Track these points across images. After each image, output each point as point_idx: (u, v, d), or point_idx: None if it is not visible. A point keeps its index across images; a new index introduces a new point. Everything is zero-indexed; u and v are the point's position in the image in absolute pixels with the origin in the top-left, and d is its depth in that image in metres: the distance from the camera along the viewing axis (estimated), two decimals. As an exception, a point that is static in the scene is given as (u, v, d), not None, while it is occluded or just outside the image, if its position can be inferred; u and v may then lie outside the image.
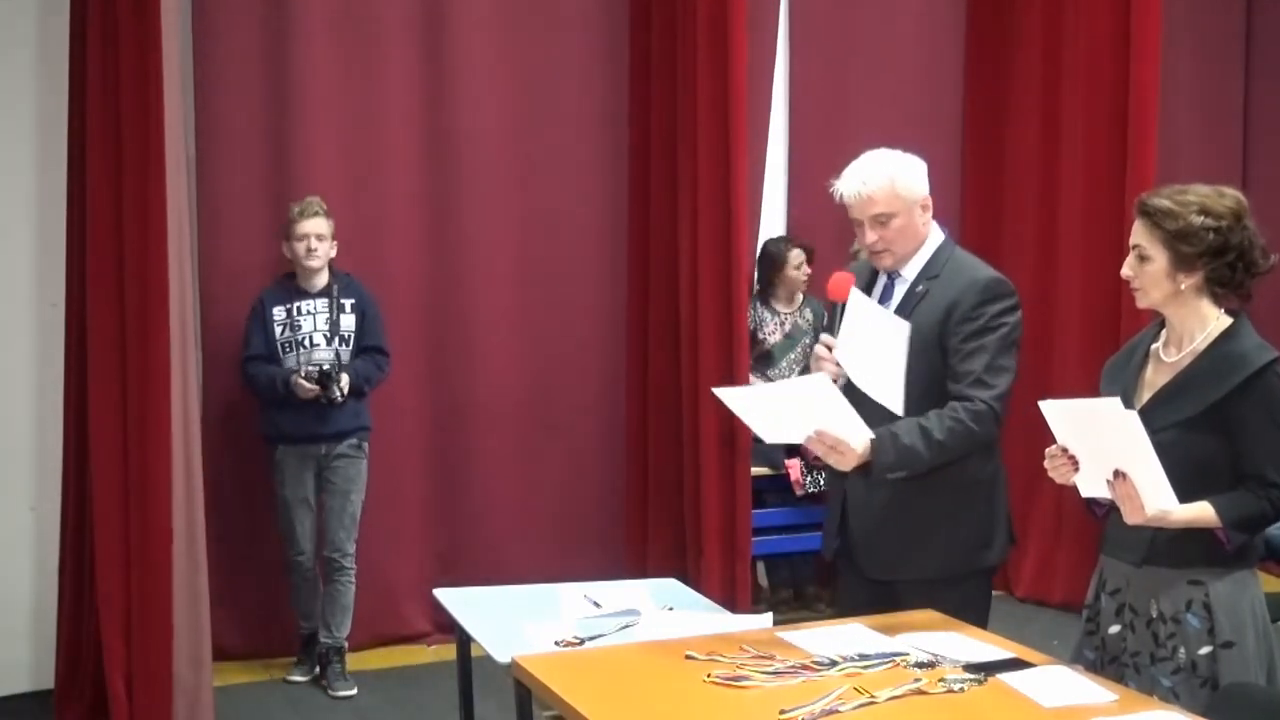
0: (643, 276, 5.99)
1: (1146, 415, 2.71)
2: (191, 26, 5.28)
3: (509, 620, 3.30)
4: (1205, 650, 2.82)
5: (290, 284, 5.24)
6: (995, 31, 6.57)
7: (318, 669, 5.32)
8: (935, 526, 3.35)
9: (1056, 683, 2.70)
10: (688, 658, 2.86)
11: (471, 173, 5.81)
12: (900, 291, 3.40)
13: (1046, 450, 2.89)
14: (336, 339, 5.20)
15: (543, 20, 5.93)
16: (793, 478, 5.87)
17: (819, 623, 3.22)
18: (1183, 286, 2.86)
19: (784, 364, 6.04)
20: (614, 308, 6.08)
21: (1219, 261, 2.83)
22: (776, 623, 3.39)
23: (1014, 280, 3.45)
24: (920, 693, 2.64)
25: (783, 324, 6.11)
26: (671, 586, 3.73)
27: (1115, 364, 3.07)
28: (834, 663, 2.79)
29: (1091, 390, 2.99)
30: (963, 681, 2.68)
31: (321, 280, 5.24)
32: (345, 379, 5.08)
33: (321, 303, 5.22)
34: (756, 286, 6.12)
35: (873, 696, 2.60)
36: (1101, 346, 5.32)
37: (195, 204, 5.07)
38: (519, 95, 5.89)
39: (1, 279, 5.16)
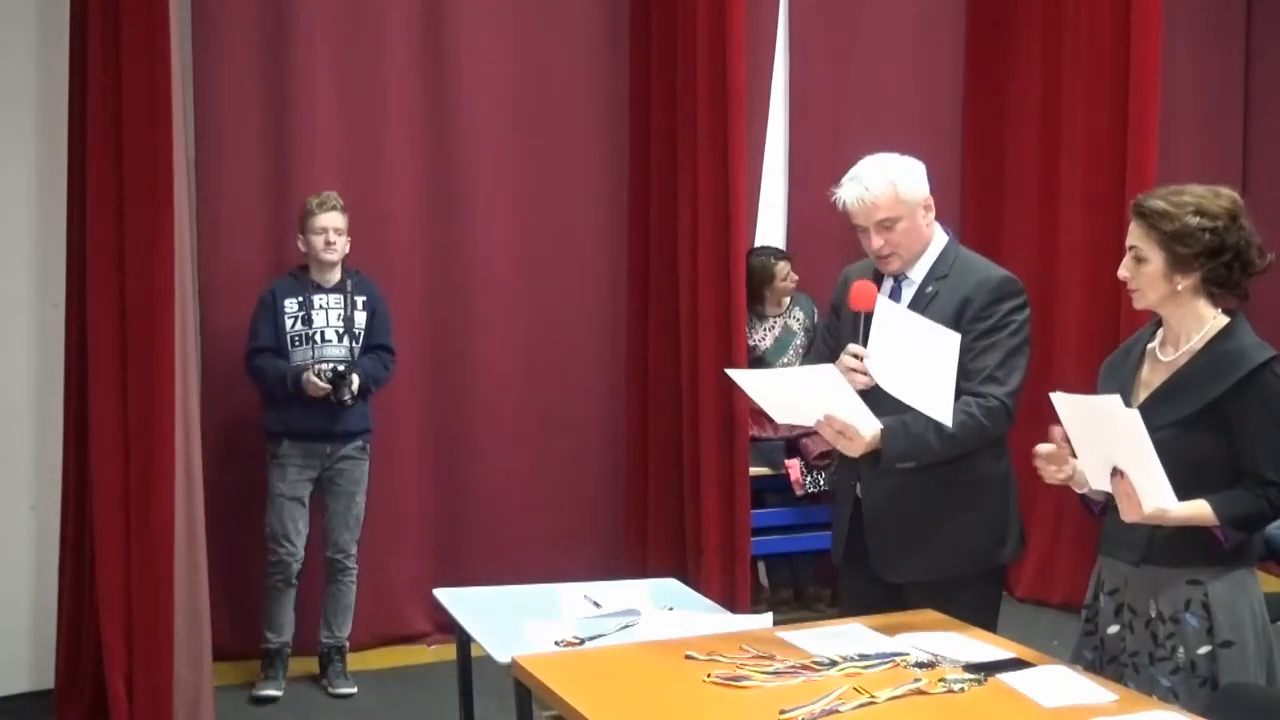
0: (643, 276, 5.98)
1: (1144, 414, 2.70)
2: (191, 27, 5.28)
3: (509, 620, 3.31)
4: (1204, 650, 2.82)
5: (304, 277, 5.22)
6: (995, 31, 6.58)
7: (318, 668, 5.32)
8: (950, 527, 3.36)
9: (1056, 683, 2.70)
10: (688, 658, 2.86)
11: (471, 172, 5.81)
12: (909, 294, 3.40)
13: (1036, 449, 2.89)
14: (349, 336, 5.19)
15: (543, 19, 5.94)
16: (793, 478, 5.87)
17: (819, 623, 3.22)
18: (1179, 287, 2.86)
19: (778, 367, 6.04)
20: (614, 307, 6.08)
21: (1215, 262, 2.84)
22: (776, 623, 3.40)
23: (1014, 280, 3.46)
24: (920, 693, 2.64)
25: (772, 329, 6.12)
26: (671, 586, 3.74)
27: (1112, 364, 3.08)
28: (834, 663, 2.79)
29: (1090, 390, 2.99)
30: (963, 681, 2.68)
31: (336, 275, 5.23)
32: (356, 381, 5.06)
33: (335, 298, 5.21)
34: None
35: (873, 696, 2.60)
36: (1101, 346, 5.31)
37: (195, 204, 5.07)
38: (519, 94, 5.89)
39: (1, 279, 5.16)
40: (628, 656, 2.99)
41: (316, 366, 5.06)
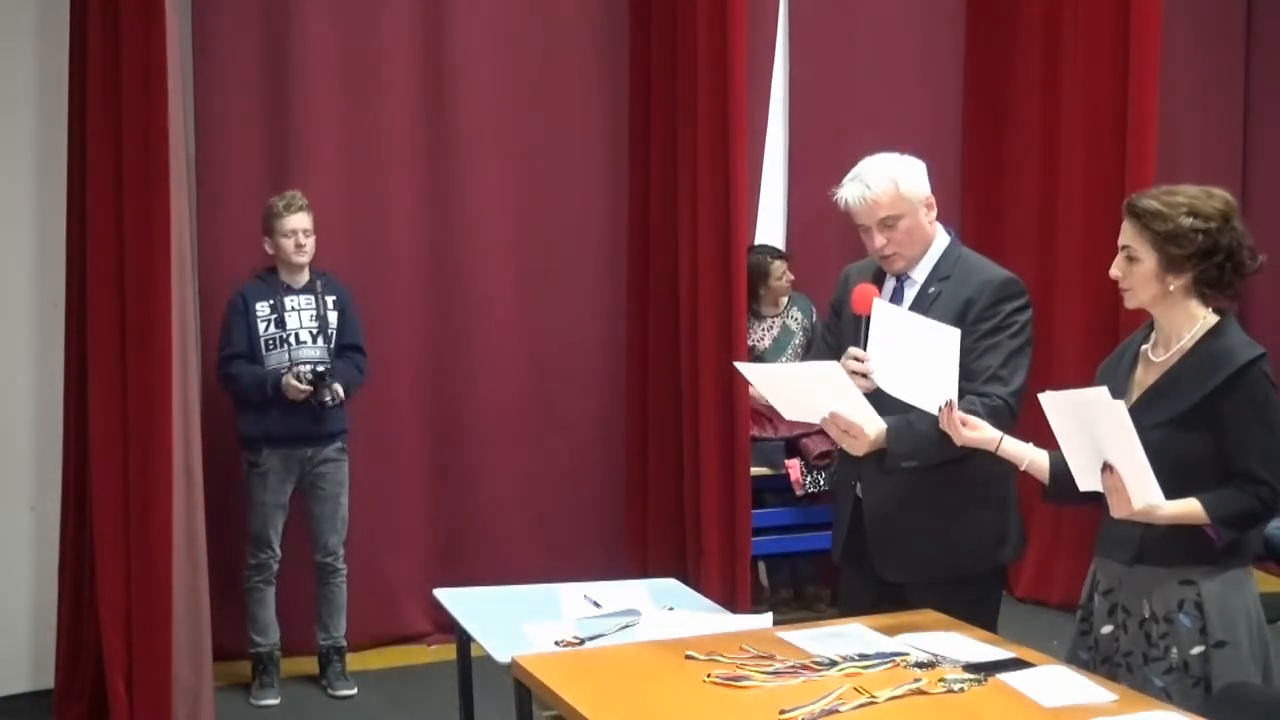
0: (643, 276, 5.98)
1: (1136, 414, 2.71)
2: (191, 26, 5.28)
3: (509, 620, 3.31)
4: (1198, 650, 2.82)
5: (273, 279, 5.17)
6: (995, 31, 6.57)
7: (317, 669, 5.32)
8: (952, 526, 3.36)
9: (1056, 683, 2.70)
10: (688, 658, 2.86)
11: (471, 172, 5.81)
12: (911, 294, 3.40)
13: None
14: (323, 336, 5.16)
15: (543, 20, 5.94)
16: (793, 478, 5.87)
17: (819, 623, 3.22)
18: (1171, 288, 2.86)
19: (778, 366, 6.05)
20: (614, 307, 6.07)
21: (1208, 263, 2.84)
22: (776, 623, 3.40)
23: (1014, 280, 3.46)
24: (920, 693, 2.64)
25: (770, 329, 6.12)
26: (671, 586, 3.73)
27: (1107, 366, 3.09)
28: (834, 663, 2.79)
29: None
30: (963, 681, 2.68)
31: (305, 276, 5.19)
32: (339, 388, 5.04)
33: (306, 299, 5.17)
34: None
35: (873, 696, 2.60)
36: (1101, 346, 5.30)
37: (195, 204, 5.07)
38: (519, 95, 5.89)
39: (1, 279, 5.17)
40: (628, 656, 2.99)
41: (295, 369, 5.03)
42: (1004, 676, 2.72)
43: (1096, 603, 3.01)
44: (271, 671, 5.20)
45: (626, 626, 3.24)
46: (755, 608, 5.49)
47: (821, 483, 5.82)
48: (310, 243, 5.14)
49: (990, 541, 3.40)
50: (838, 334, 3.50)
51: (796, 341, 6.10)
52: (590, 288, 6.05)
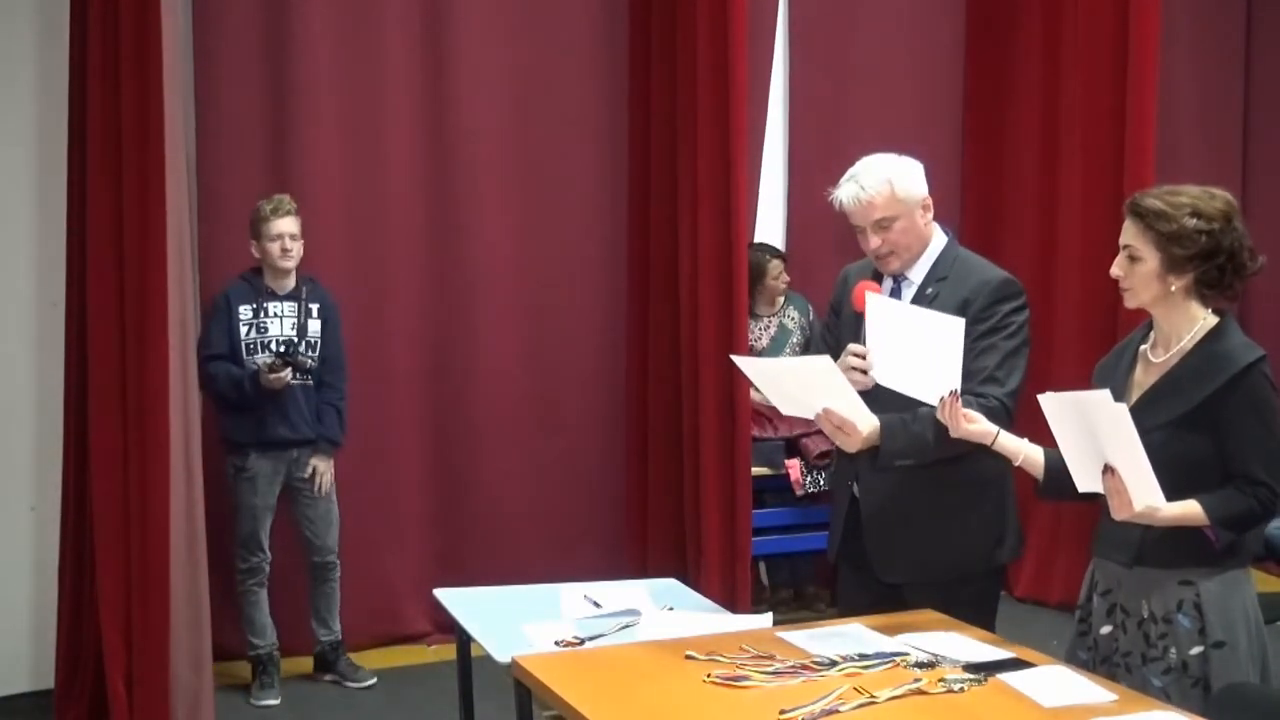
0: (643, 276, 5.98)
1: (1135, 415, 2.70)
2: (192, 26, 5.28)
3: (509, 620, 3.30)
4: (1196, 650, 2.82)
5: (258, 283, 5.14)
6: (995, 31, 6.57)
7: (326, 668, 5.34)
8: (949, 526, 3.37)
9: (1056, 683, 2.70)
10: (688, 658, 2.86)
11: (471, 172, 5.81)
12: (908, 295, 3.40)
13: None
14: (303, 343, 5.13)
15: (543, 20, 5.94)
16: (793, 478, 5.87)
17: (819, 623, 3.22)
18: (1173, 288, 2.86)
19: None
20: (614, 307, 6.07)
21: (1209, 264, 2.84)
22: (776, 623, 3.40)
23: (1014, 280, 3.46)
24: (920, 693, 2.64)
25: (768, 328, 6.13)
26: (671, 586, 3.73)
27: (1105, 366, 3.08)
28: (834, 663, 2.79)
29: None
30: (963, 681, 2.68)
31: (290, 282, 5.16)
32: (306, 361, 5.02)
33: (289, 305, 5.14)
34: None
35: (873, 696, 2.60)
36: (1099, 346, 5.28)
37: (195, 204, 5.06)
38: (519, 94, 5.89)
39: (1, 279, 5.16)
40: (628, 656, 2.99)
41: (260, 359, 4.99)
42: (1004, 676, 2.72)
43: (1095, 603, 3.02)
44: (272, 672, 5.20)
45: (626, 626, 3.24)
46: (755, 608, 5.49)
47: (822, 483, 5.82)
48: (297, 247, 5.11)
49: (988, 541, 3.40)
50: (838, 334, 3.50)
51: (794, 340, 6.10)
52: (590, 287, 6.05)
